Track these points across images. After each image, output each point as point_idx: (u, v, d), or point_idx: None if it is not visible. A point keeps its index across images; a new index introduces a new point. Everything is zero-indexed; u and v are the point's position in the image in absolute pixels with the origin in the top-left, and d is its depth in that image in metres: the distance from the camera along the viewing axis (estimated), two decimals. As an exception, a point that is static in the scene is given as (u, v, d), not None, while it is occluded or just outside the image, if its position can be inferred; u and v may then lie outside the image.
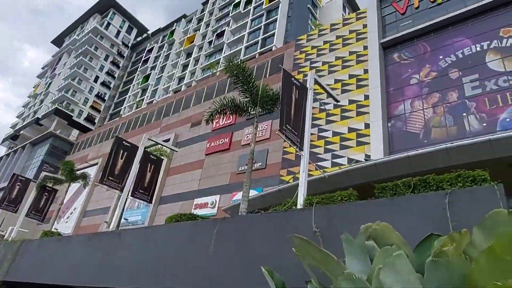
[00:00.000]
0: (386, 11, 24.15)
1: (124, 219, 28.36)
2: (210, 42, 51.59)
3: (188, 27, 60.95)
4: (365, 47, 23.06)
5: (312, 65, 25.44)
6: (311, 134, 21.67)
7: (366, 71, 22.11)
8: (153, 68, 61.28)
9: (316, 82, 11.91)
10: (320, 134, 22.03)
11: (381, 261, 3.80)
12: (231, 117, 24.14)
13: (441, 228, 6.87)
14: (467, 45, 19.62)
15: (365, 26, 23.89)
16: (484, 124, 17.24)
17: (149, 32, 73.51)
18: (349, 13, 46.55)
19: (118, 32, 71.37)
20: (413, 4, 22.91)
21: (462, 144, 12.52)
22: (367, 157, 18.72)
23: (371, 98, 20.79)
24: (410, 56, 21.66)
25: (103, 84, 66.44)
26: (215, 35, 50.55)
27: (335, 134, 21.38)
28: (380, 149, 18.78)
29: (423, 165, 12.88)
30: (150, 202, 14.66)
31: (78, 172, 22.67)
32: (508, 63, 17.81)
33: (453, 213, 6.95)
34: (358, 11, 25.11)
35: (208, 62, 47.94)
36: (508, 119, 16.66)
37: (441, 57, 20.26)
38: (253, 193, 20.21)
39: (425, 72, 20.48)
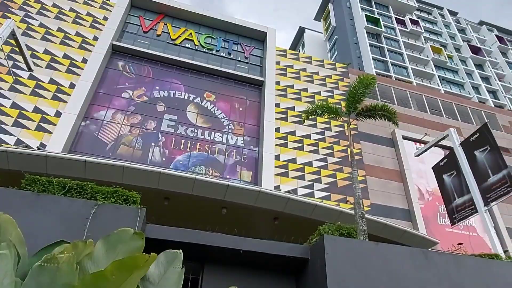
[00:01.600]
0: (132, 20, 24.03)
1: None
2: None
3: None
4: (96, 38, 21.44)
5: (27, 19, 20.73)
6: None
7: (84, 61, 20.27)
8: None
9: (15, 37, 9.45)
10: (-6, 98, 17.41)
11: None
12: None
13: (79, 236, 6.40)
14: (180, 90, 22.25)
15: (106, 18, 22.50)
16: (164, 159, 19.31)
17: None
18: None
19: None
20: (156, 30, 24.08)
21: (137, 167, 13.14)
22: (42, 146, 16.26)
23: (76, 89, 18.93)
24: (133, 72, 21.98)
25: None
26: None
27: (14, 106, 17.50)
28: (61, 143, 16.87)
29: (99, 174, 12.53)
30: None
31: None
32: (199, 120, 21.41)
33: (94, 224, 6.70)
34: (105, 1, 23.52)
35: None
36: (181, 162, 19.48)
37: (157, 87, 21.78)
38: None
39: (139, 93, 21.20)
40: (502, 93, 48.56)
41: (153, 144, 19.64)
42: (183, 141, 20.25)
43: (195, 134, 20.75)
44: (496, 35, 57.62)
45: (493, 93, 48.52)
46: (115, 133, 19.26)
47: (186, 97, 22.07)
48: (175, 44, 23.97)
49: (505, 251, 12.51)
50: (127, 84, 21.32)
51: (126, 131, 19.56)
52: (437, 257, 8.34)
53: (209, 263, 7.99)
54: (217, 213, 14.21)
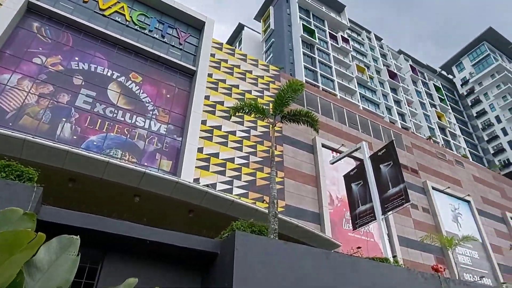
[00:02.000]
0: (55, -21, 21.50)
1: None
2: None
3: None
4: (9, -9, 18.70)
5: None
6: None
7: (-9, 14, 17.55)
8: None
9: None
10: None
11: None
12: None
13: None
14: (103, 65, 20.55)
15: (24, -29, 19.75)
16: (75, 137, 17.62)
17: None
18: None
19: None
20: (84, -4, 21.91)
21: (41, 142, 11.78)
22: None
23: (-24, 45, 16.31)
24: (50, 36, 19.67)
25: None
26: None
27: None
28: None
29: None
30: None
31: None
32: (121, 100, 20.00)
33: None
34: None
35: None
36: (95, 142, 17.98)
37: (77, 58, 19.81)
38: None
39: (54, 61, 19.05)
40: (409, 117, 54.54)
41: (64, 119, 17.80)
42: (99, 120, 18.73)
43: (115, 115, 19.35)
44: (410, 65, 64.49)
45: (402, 115, 54.21)
46: (19, 102, 17.01)
47: (109, 74, 20.45)
48: (104, 15, 22.08)
49: (394, 256, 13.96)
50: (40, 49, 18.99)
51: (32, 100, 17.41)
52: (337, 258, 8.92)
53: (112, 252, 7.43)
54: (130, 201, 13.40)
